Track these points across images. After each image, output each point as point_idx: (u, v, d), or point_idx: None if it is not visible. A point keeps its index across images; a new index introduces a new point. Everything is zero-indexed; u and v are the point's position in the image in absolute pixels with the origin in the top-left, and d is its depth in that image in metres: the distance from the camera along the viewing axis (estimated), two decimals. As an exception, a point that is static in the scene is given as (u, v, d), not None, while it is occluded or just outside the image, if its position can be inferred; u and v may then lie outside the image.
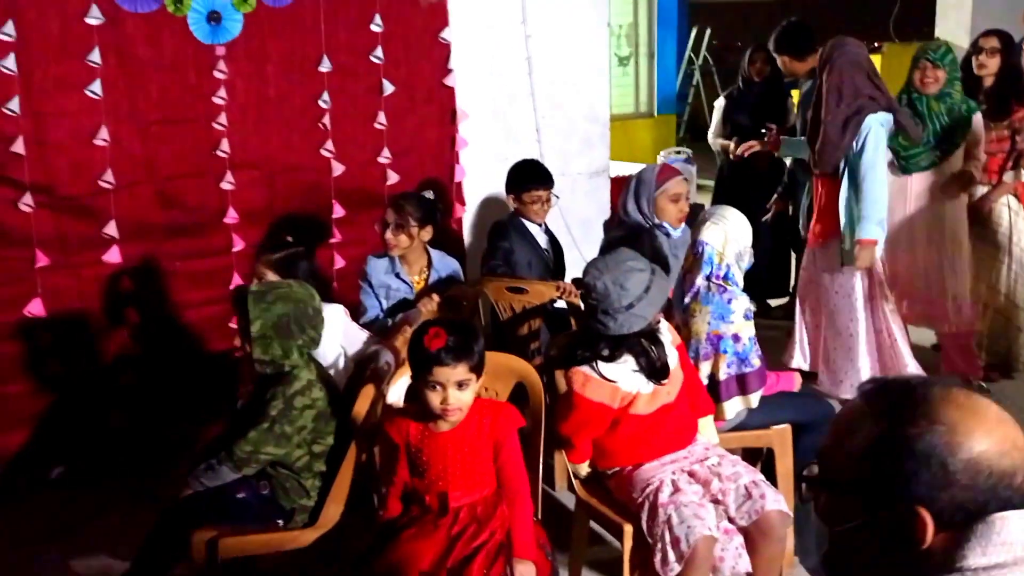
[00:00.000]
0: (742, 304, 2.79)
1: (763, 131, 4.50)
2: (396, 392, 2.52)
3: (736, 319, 2.77)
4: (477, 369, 2.16)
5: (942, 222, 4.03)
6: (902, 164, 4.04)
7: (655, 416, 2.49)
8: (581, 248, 4.56)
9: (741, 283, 2.85)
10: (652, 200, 3.29)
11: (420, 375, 2.16)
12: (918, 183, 4.05)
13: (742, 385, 2.79)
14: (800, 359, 4.07)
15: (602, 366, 2.43)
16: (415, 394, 2.21)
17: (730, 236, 2.83)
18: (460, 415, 2.18)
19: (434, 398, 2.14)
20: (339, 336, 2.87)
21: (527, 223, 3.67)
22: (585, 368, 2.45)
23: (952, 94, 3.97)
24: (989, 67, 4.23)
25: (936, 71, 3.93)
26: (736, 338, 2.78)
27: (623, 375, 2.44)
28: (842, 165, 3.70)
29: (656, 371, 2.45)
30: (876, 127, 3.62)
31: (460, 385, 2.13)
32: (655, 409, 2.49)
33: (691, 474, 2.46)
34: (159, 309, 3.67)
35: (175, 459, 2.92)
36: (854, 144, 3.64)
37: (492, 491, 2.25)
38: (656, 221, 3.28)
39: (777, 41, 4.71)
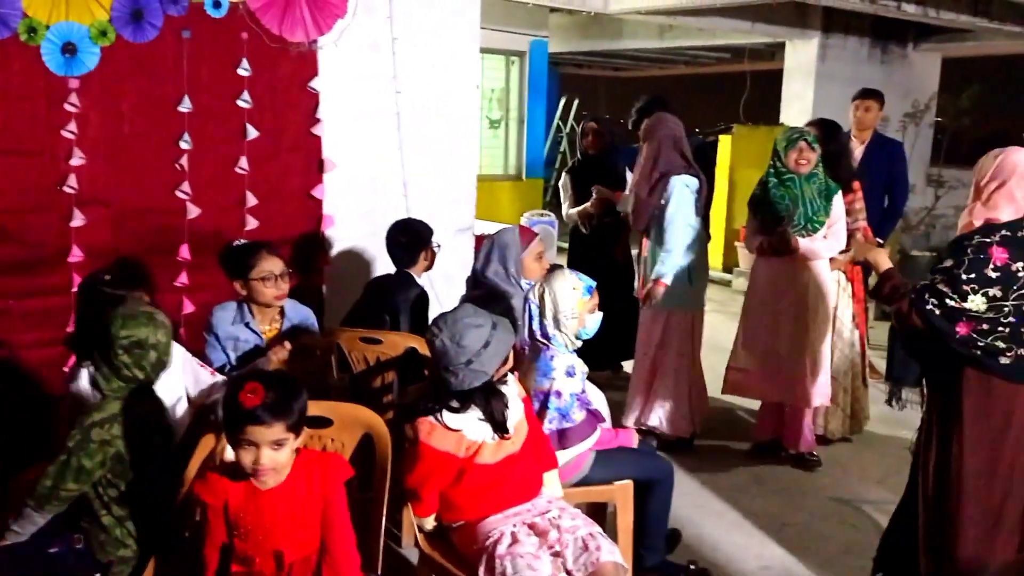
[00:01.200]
0: (563, 362, 2.91)
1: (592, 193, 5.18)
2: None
3: (558, 375, 2.89)
4: (295, 427, 2.08)
5: (805, 297, 4.17)
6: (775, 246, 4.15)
7: (500, 467, 2.51)
8: (443, 303, 4.58)
9: (568, 343, 2.95)
10: (519, 261, 3.42)
11: (232, 432, 2.06)
12: (785, 261, 4.16)
13: (562, 440, 2.87)
14: (634, 416, 4.40)
15: (447, 416, 2.45)
16: None
17: (556, 296, 2.94)
18: (275, 476, 2.10)
19: (245, 457, 2.05)
20: (179, 378, 2.77)
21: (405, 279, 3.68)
22: (431, 418, 2.46)
23: (819, 175, 4.12)
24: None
25: (811, 153, 4.06)
26: (558, 394, 2.89)
27: (468, 424, 2.46)
28: (651, 222, 4.31)
29: (496, 424, 2.48)
30: (680, 187, 4.19)
31: (276, 444, 2.04)
32: (500, 459, 2.51)
33: (531, 526, 2.48)
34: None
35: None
36: (661, 201, 4.22)
37: None
38: (523, 281, 3.40)
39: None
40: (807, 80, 9.32)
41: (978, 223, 2.60)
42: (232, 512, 2.13)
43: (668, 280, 4.18)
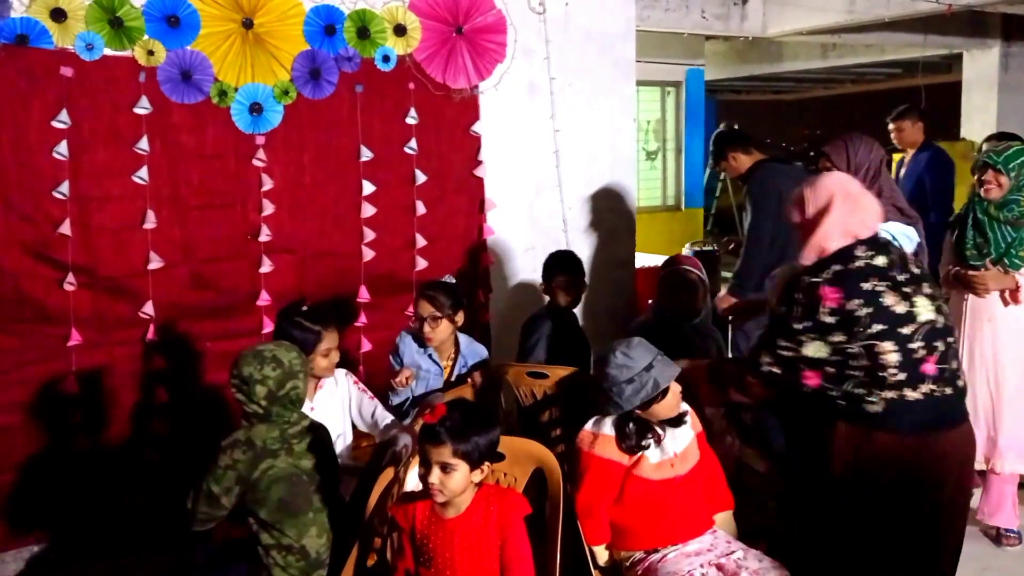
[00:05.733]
0: None
1: None
2: (415, 478, 2.52)
3: None
4: (468, 456, 2.12)
5: (996, 344, 3.57)
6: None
7: (664, 486, 2.53)
8: (608, 337, 4.58)
9: None
10: None
11: (419, 449, 2.18)
12: (978, 303, 3.59)
13: None
14: None
15: (607, 424, 2.53)
16: None
17: None
18: (447, 500, 2.15)
19: (423, 473, 2.15)
20: (342, 416, 2.90)
21: (561, 314, 3.72)
22: (591, 427, 2.55)
23: (1020, 201, 3.47)
24: None
25: (999, 176, 3.47)
26: None
27: None
28: None
29: (628, 439, 2.53)
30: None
31: (444, 468, 2.11)
32: (664, 478, 2.53)
33: (718, 567, 2.43)
34: (189, 388, 3.74)
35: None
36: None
37: None
38: None
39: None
40: (989, 92, 8.74)
41: (809, 262, 2.35)
42: (418, 536, 2.21)
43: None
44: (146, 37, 3.50)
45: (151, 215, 3.58)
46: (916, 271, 2.39)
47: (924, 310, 2.31)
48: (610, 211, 4.73)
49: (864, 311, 2.24)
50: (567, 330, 3.71)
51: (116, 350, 3.58)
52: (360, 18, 3.89)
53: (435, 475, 2.11)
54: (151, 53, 3.52)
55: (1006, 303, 3.53)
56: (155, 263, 3.60)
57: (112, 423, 3.60)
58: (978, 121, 8.72)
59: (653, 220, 8.98)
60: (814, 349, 2.28)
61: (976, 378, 3.55)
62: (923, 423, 2.27)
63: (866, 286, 2.27)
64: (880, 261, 2.32)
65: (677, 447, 2.60)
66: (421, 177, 4.11)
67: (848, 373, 2.26)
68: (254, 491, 2.40)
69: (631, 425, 2.53)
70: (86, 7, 3.39)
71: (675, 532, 2.53)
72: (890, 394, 2.24)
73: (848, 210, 2.37)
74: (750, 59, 10.91)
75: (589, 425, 2.59)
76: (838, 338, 2.26)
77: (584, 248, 4.58)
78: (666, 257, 3.96)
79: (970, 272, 3.52)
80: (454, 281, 3.49)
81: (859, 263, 2.31)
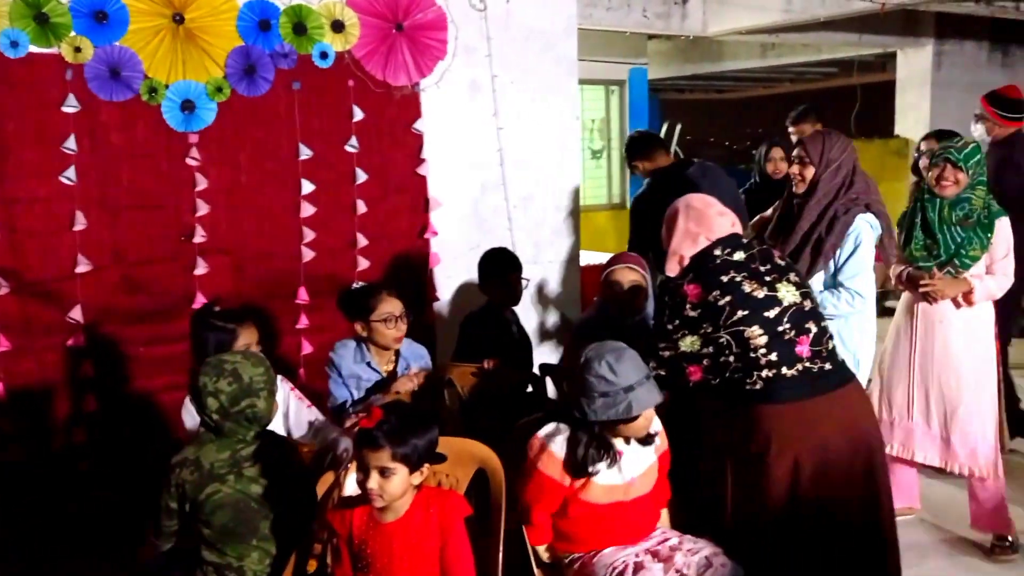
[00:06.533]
0: None
1: None
2: (353, 483, 2.47)
3: None
4: (407, 459, 2.09)
5: (948, 346, 3.50)
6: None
7: (610, 509, 2.47)
8: (553, 335, 4.58)
9: None
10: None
11: (357, 454, 2.13)
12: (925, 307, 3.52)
13: None
14: None
15: (556, 443, 2.42)
16: None
17: None
18: (386, 504, 2.11)
19: (361, 479, 2.11)
20: (281, 411, 2.83)
21: (498, 312, 3.68)
22: (542, 435, 2.46)
23: (973, 198, 3.39)
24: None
25: (957, 173, 3.36)
26: None
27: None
28: None
29: (575, 464, 2.40)
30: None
31: (383, 472, 2.07)
32: (611, 502, 2.46)
33: (654, 553, 2.43)
34: (121, 394, 3.62)
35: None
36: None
37: None
38: None
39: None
40: (922, 89, 8.93)
41: (673, 272, 2.56)
42: (356, 542, 2.16)
43: None
44: (73, 33, 3.40)
45: (80, 216, 3.47)
46: (781, 263, 2.56)
47: (788, 295, 2.47)
48: (555, 209, 4.72)
49: (724, 299, 2.42)
50: (505, 328, 3.67)
51: (45, 356, 3.47)
52: (296, 14, 3.81)
53: (374, 480, 2.07)
54: (78, 50, 3.41)
55: (958, 305, 3.45)
56: (84, 266, 3.48)
57: (41, 432, 3.48)
58: (912, 119, 8.91)
59: (598, 218, 9.01)
60: (688, 343, 2.45)
61: (929, 380, 3.50)
62: (800, 395, 2.43)
63: (724, 278, 2.47)
64: (738, 256, 2.51)
65: (636, 470, 2.48)
66: (362, 176, 4.04)
67: (724, 361, 2.42)
68: (199, 511, 2.33)
69: (586, 441, 2.39)
70: (10, 3, 3.28)
71: (619, 538, 2.49)
72: (767, 373, 2.41)
73: (694, 220, 2.57)
74: (692, 58, 11.01)
75: (542, 433, 2.46)
76: (707, 329, 2.41)
77: (529, 246, 4.56)
78: (611, 255, 3.96)
79: (923, 282, 3.43)
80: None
81: (717, 261, 2.51)
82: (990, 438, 3.49)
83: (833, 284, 3.24)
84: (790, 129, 5.31)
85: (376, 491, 2.07)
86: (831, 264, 3.23)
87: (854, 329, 3.29)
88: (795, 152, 3.36)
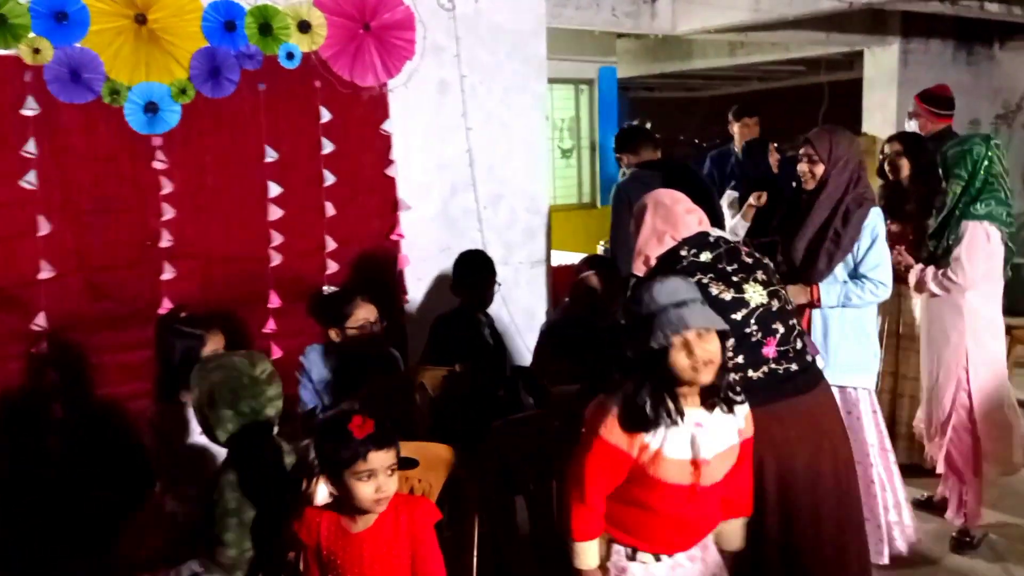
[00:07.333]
0: None
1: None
2: (324, 491, 2.43)
3: None
4: (399, 458, 2.10)
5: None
6: None
7: (677, 493, 2.15)
8: (524, 337, 4.56)
9: None
10: None
11: (348, 467, 2.03)
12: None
13: None
14: None
15: (616, 396, 2.14)
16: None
17: None
18: (384, 507, 2.09)
19: (366, 489, 2.03)
20: None
21: (470, 314, 3.66)
22: (602, 402, 2.15)
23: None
24: (903, 170, 4.37)
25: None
26: None
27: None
28: None
29: (635, 413, 2.09)
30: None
31: (390, 470, 2.05)
32: (677, 483, 2.14)
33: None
34: (86, 403, 3.56)
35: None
36: None
37: None
38: None
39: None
40: (889, 88, 9.02)
41: (639, 272, 2.57)
42: (324, 553, 2.12)
43: None
44: (32, 34, 3.32)
45: (42, 222, 3.40)
46: (748, 261, 2.53)
47: (756, 295, 2.46)
48: (525, 210, 4.71)
49: None
50: (477, 330, 3.65)
51: (7, 365, 3.39)
52: (262, 14, 3.76)
53: (385, 482, 2.03)
54: (37, 51, 3.34)
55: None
56: (46, 272, 3.41)
57: (5, 441, 3.40)
58: (879, 117, 9.00)
59: (569, 218, 9.01)
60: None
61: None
62: (765, 399, 2.38)
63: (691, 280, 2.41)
64: (704, 257, 2.50)
65: (713, 448, 2.14)
66: (330, 178, 4.00)
67: None
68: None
69: (648, 390, 2.07)
70: (-35, 4, 3.20)
71: (678, 532, 2.22)
72: (733, 376, 2.30)
73: (661, 217, 2.55)
74: (661, 57, 11.04)
75: (600, 400, 2.17)
76: None
77: (500, 247, 4.54)
78: (582, 255, 3.96)
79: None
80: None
81: (684, 262, 2.48)
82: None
83: (855, 275, 3.32)
84: (735, 126, 6.01)
85: (388, 492, 2.05)
86: (849, 258, 3.31)
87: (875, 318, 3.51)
88: (802, 150, 3.43)
